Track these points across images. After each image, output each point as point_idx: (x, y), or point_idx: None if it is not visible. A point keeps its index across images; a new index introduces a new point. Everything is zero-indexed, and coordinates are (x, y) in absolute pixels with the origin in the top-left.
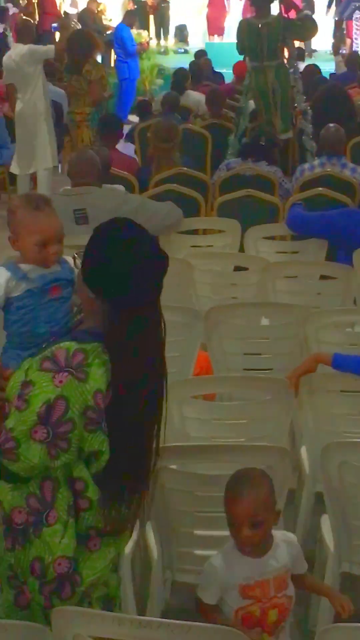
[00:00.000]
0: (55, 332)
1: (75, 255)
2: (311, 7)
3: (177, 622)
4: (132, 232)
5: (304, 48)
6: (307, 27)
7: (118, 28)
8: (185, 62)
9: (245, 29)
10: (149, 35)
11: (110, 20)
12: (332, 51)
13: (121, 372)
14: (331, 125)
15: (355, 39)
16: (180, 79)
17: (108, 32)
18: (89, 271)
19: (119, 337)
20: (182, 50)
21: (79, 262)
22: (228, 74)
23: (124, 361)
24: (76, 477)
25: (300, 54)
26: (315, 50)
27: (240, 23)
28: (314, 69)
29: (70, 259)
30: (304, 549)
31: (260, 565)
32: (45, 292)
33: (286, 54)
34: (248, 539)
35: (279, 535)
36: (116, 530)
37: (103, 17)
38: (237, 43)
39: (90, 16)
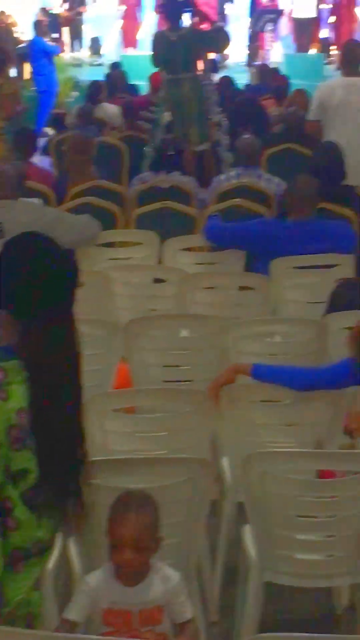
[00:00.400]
0: None
1: None
2: (224, 19)
3: (99, 638)
4: (40, 245)
5: (217, 60)
6: (220, 39)
7: (34, 41)
8: (99, 74)
9: (160, 41)
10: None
11: (22, 33)
12: (245, 63)
13: (39, 387)
14: (246, 136)
15: (268, 50)
16: (94, 92)
17: (20, 46)
18: (0, 287)
19: (33, 353)
20: (97, 63)
21: None
22: (142, 86)
23: (41, 376)
24: (4, 496)
25: (214, 66)
26: (224, 60)
27: (155, 35)
28: (228, 81)
29: None
30: (227, 559)
31: (129, 594)
32: None
33: (200, 66)
34: (128, 563)
35: (160, 569)
36: (42, 550)
37: (14, 29)
38: (152, 55)
39: (0, 29)
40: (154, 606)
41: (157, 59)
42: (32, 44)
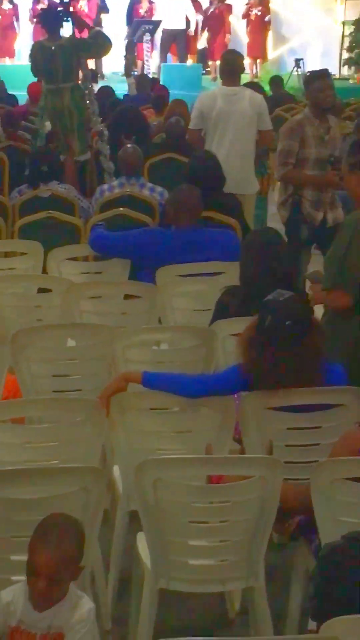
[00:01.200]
0: None
1: None
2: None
3: None
4: None
5: (96, 70)
6: (100, 44)
7: None
8: None
9: (39, 51)
10: None
11: None
12: (123, 73)
13: None
14: (129, 145)
15: (146, 61)
16: None
17: None
18: None
19: None
20: None
21: None
22: (20, 96)
23: None
24: None
25: (93, 76)
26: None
27: (34, 45)
28: (108, 91)
29: None
30: (120, 568)
31: (36, 617)
32: None
33: (80, 75)
34: (41, 593)
35: (74, 596)
36: None
37: None
38: (31, 65)
39: None
40: (56, 633)
41: (36, 68)
42: None
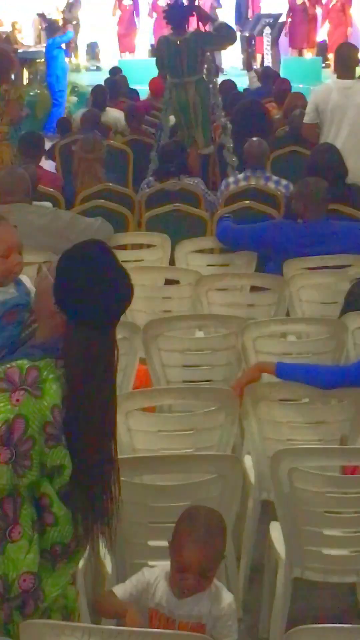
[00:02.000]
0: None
1: (41, 265)
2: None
3: (148, 630)
4: (102, 254)
5: (218, 64)
6: (224, 35)
7: (51, 43)
8: (97, 79)
9: (164, 46)
10: None
11: (23, 38)
12: (242, 67)
13: (76, 385)
14: (254, 139)
15: (266, 54)
16: (99, 96)
17: (20, 50)
18: (57, 284)
19: (77, 358)
20: (94, 68)
21: (45, 270)
22: (141, 91)
23: (79, 375)
24: (41, 493)
25: (216, 69)
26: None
27: (159, 40)
28: (231, 84)
29: (25, 278)
30: (251, 557)
31: (176, 603)
32: (1, 317)
33: (204, 69)
34: (190, 588)
35: (214, 587)
36: (79, 546)
37: (18, 35)
38: (156, 60)
39: (2, 35)
40: (196, 622)
41: (161, 63)
42: (50, 45)
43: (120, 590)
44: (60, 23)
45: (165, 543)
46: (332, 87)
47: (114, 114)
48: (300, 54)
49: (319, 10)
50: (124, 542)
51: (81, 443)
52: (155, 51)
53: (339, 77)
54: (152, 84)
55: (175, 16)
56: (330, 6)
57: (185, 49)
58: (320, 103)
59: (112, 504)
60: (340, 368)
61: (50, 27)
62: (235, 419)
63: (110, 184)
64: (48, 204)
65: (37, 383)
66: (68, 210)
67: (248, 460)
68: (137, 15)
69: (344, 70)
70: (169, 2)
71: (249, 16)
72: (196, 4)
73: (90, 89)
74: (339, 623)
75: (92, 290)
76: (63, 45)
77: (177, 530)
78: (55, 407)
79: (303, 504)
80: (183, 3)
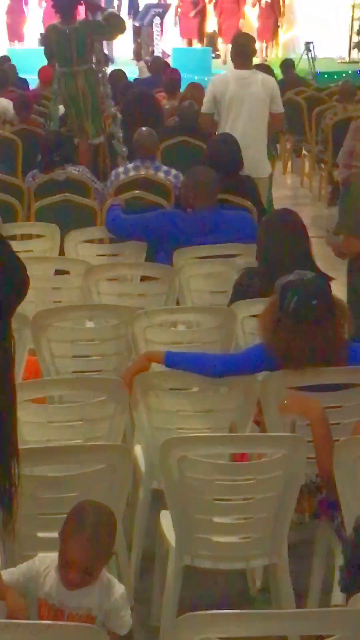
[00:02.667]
0: None
1: None
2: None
3: (36, 622)
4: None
5: (108, 54)
6: (114, 25)
7: None
8: None
9: (52, 35)
10: None
11: None
12: (133, 57)
13: None
14: (144, 128)
15: (156, 44)
16: None
17: None
18: None
19: None
20: None
21: None
22: (30, 80)
23: None
24: None
25: (106, 59)
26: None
27: (48, 29)
28: (121, 74)
29: None
30: (143, 546)
31: (65, 595)
32: None
33: (93, 59)
34: (72, 583)
35: (104, 579)
36: None
37: None
38: (44, 49)
39: None
40: (86, 614)
41: (50, 52)
42: None
43: (7, 575)
44: None
45: (55, 534)
46: (229, 78)
47: (2, 104)
48: (190, 44)
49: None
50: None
51: None
52: (44, 40)
53: (236, 67)
54: (42, 73)
55: (63, 5)
56: None
57: (74, 38)
58: (217, 93)
59: (14, 492)
60: (230, 356)
61: None
62: (125, 409)
63: None
64: None
65: None
66: None
67: (139, 450)
68: (26, 3)
69: (241, 60)
70: None
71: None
72: None
73: None
74: (230, 609)
75: None
76: None
77: (65, 526)
78: None
79: (192, 492)
80: None
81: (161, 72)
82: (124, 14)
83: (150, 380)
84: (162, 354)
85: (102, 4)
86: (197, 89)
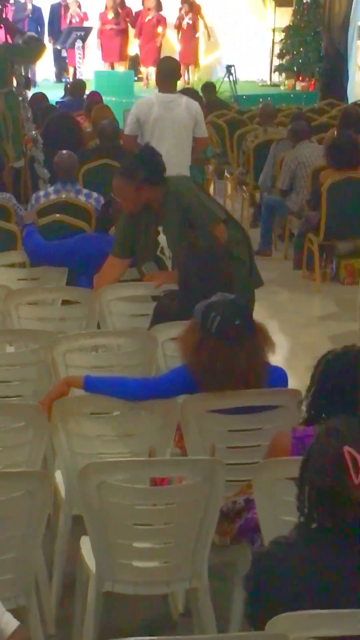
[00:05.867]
0: None
1: None
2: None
3: None
4: None
5: (28, 77)
6: (34, 48)
7: None
8: None
9: None
10: None
11: None
12: (55, 79)
13: None
14: (64, 152)
15: (78, 67)
16: None
17: None
18: None
19: None
20: None
21: None
22: None
23: None
24: None
25: (27, 82)
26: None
27: None
28: (41, 97)
29: None
30: (64, 573)
31: None
32: None
33: (14, 82)
34: None
35: None
36: None
37: None
38: None
39: None
40: None
41: None
42: None
43: None
44: None
45: None
46: (153, 101)
47: None
48: (112, 67)
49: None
50: None
51: None
52: None
53: (160, 90)
54: None
55: None
56: (146, 20)
57: None
58: (142, 116)
59: None
60: (150, 379)
61: None
62: (44, 435)
63: None
64: None
65: None
66: None
67: (59, 476)
68: None
69: (165, 83)
70: None
71: (61, 29)
72: (3, 16)
73: None
74: (153, 634)
75: None
76: None
77: None
78: None
79: (112, 517)
80: None
81: (82, 94)
82: (45, 37)
83: (70, 405)
84: (81, 379)
85: (23, 28)
86: (106, 111)
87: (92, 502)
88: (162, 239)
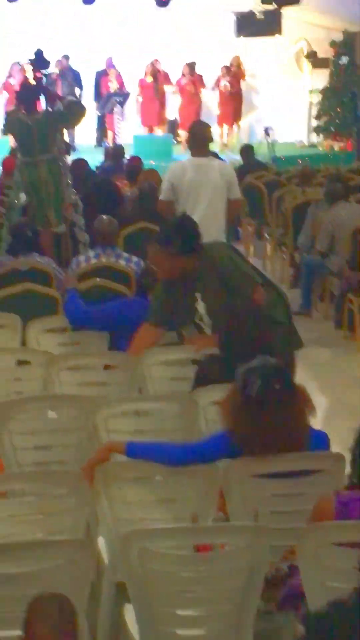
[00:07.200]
0: None
1: None
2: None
3: None
4: None
5: (69, 142)
6: (74, 112)
7: None
8: None
9: (16, 126)
10: None
11: None
12: (95, 144)
13: None
14: (104, 217)
15: (117, 131)
16: None
17: None
18: None
19: None
20: None
21: None
22: None
23: None
24: None
25: (67, 148)
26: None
27: (11, 122)
28: (82, 162)
29: None
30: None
31: None
32: None
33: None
34: None
35: None
36: None
37: None
38: (9, 140)
39: None
40: None
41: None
42: None
43: None
44: None
45: (14, 632)
46: (186, 165)
47: None
48: (151, 131)
49: (168, 89)
50: None
51: None
52: (7, 131)
53: (193, 154)
54: (5, 163)
55: (26, 97)
56: (184, 83)
57: (37, 128)
58: (175, 180)
59: None
60: (189, 445)
61: None
62: (87, 501)
63: None
64: None
65: None
66: None
67: (102, 542)
68: None
69: (198, 147)
70: (26, 85)
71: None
72: (44, 84)
73: None
74: None
75: None
76: None
77: (28, 623)
78: None
79: (155, 584)
80: (33, 85)
81: (121, 158)
82: (88, 101)
83: (112, 471)
84: (123, 445)
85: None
86: (153, 175)
87: (134, 569)
88: (200, 306)
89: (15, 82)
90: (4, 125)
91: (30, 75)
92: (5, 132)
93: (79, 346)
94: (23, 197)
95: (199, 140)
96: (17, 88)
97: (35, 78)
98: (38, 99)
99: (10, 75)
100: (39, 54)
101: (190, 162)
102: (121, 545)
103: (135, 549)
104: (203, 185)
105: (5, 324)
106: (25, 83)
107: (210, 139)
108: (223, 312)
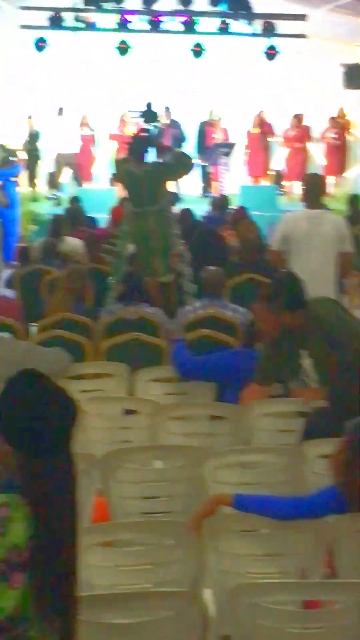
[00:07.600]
0: None
1: None
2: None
3: None
4: (41, 383)
5: (177, 192)
6: (182, 163)
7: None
8: (57, 208)
9: (126, 178)
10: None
11: None
12: (201, 194)
13: (41, 524)
14: (211, 267)
15: (221, 182)
16: (56, 226)
17: None
18: (2, 423)
19: (37, 490)
20: (53, 196)
21: None
22: (99, 219)
23: (44, 514)
24: None
25: (175, 198)
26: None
27: (120, 170)
28: (188, 213)
29: None
30: None
31: None
32: None
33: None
34: None
35: None
36: None
37: None
38: (117, 189)
39: None
40: None
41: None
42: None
43: None
44: (18, 154)
45: None
46: (300, 216)
47: (73, 243)
48: (257, 182)
49: (274, 140)
50: None
51: (43, 583)
52: (117, 180)
53: (307, 206)
54: (114, 212)
55: (137, 149)
56: (291, 135)
57: (146, 179)
58: (288, 231)
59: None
60: (298, 499)
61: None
62: (194, 553)
63: (69, 314)
64: (5, 335)
65: (3, 521)
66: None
67: (208, 595)
68: (94, 144)
69: (311, 199)
70: (136, 135)
71: (206, 145)
72: (153, 135)
73: (49, 217)
74: None
75: (23, 416)
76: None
77: None
78: (15, 547)
79: (263, 639)
80: (144, 135)
81: (226, 209)
82: (190, 152)
83: (220, 523)
84: (230, 497)
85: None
86: (250, 226)
87: (242, 623)
88: (305, 362)
89: (124, 132)
90: (113, 175)
91: (140, 126)
92: (114, 181)
93: (185, 396)
94: (131, 247)
95: (314, 192)
96: (127, 139)
97: (144, 129)
98: (147, 150)
99: (121, 125)
100: (148, 106)
101: (303, 214)
102: (229, 598)
103: (244, 602)
104: (316, 237)
105: (113, 372)
106: (136, 134)
107: (324, 191)
108: (332, 365)
